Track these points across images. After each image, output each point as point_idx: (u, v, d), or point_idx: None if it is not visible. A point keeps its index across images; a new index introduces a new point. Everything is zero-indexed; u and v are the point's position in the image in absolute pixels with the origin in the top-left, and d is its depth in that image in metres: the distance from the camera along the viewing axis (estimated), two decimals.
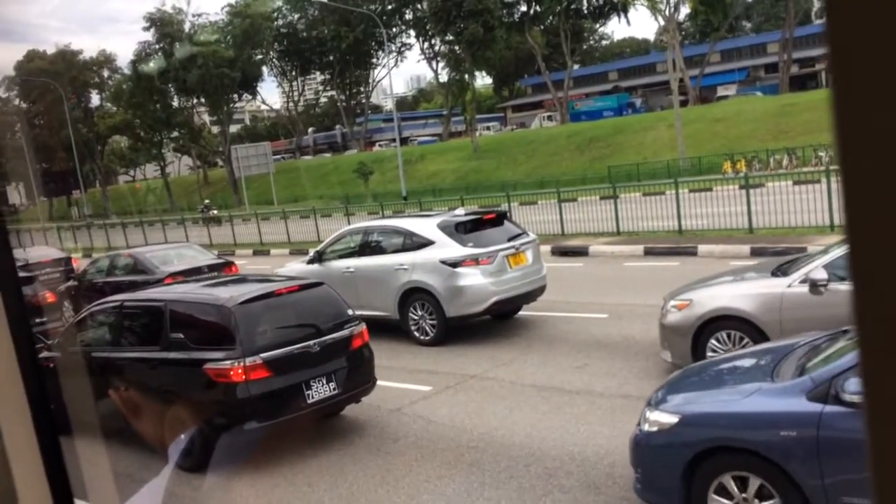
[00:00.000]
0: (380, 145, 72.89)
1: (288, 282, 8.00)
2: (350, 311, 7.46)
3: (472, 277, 9.78)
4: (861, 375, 0.55)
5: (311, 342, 6.76)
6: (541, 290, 10.70)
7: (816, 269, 6.37)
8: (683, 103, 46.03)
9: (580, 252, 16.60)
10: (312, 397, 6.60)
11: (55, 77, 58.22)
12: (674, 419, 4.52)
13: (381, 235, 11.11)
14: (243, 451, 6.51)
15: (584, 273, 14.61)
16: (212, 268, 13.81)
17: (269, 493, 6.01)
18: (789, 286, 6.60)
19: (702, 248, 14.65)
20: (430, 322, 10.05)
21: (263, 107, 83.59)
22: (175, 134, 64.87)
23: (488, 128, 75.08)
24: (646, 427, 4.68)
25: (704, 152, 34.92)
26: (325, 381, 6.70)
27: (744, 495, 4.25)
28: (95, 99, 70.55)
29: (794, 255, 8.85)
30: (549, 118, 67.99)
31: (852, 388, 3.83)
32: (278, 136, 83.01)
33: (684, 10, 52.25)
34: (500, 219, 10.89)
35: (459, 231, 10.19)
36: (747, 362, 5.20)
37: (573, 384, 7.65)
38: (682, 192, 17.30)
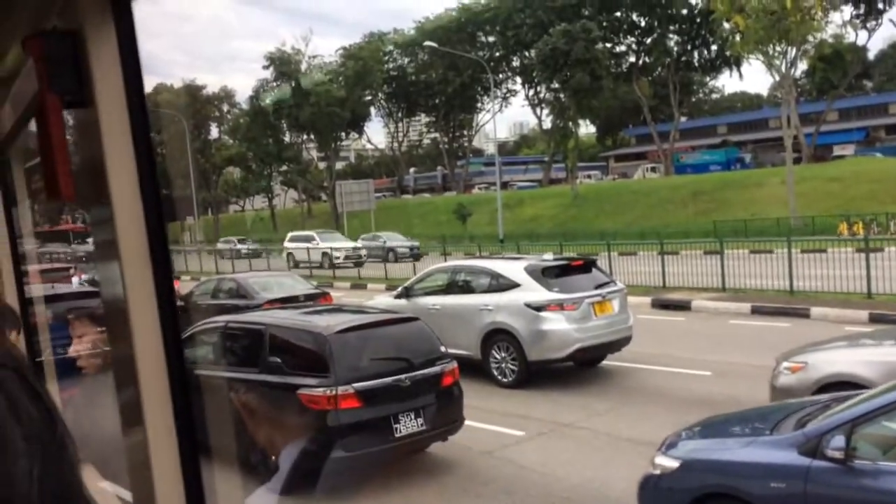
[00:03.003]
0: (479, 188, 73.44)
1: (383, 314, 8.06)
2: (443, 349, 7.42)
3: (555, 322, 9.73)
4: None
5: (403, 376, 6.74)
6: (626, 341, 10.47)
7: None
8: (796, 161, 44.22)
9: (682, 306, 16.03)
10: (400, 431, 6.54)
11: (180, 109, 61.93)
12: (676, 463, 4.68)
13: (469, 275, 11.24)
14: (330, 480, 6.50)
15: (685, 328, 14.10)
16: (308, 297, 14.14)
17: None
18: None
19: (815, 310, 13.86)
20: (512, 364, 9.98)
21: (368, 145, 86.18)
22: (284, 168, 67.47)
23: (589, 176, 74.34)
24: (652, 470, 4.83)
25: (817, 212, 33.40)
26: (413, 416, 6.64)
27: None
28: (214, 132, 74.58)
29: None
30: (653, 169, 66.77)
31: (836, 444, 3.92)
32: (381, 175, 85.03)
33: (801, 66, 50.60)
34: (587, 266, 10.90)
35: (546, 275, 10.20)
36: (763, 416, 5.20)
37: None
38: (794, 251, 16.51)
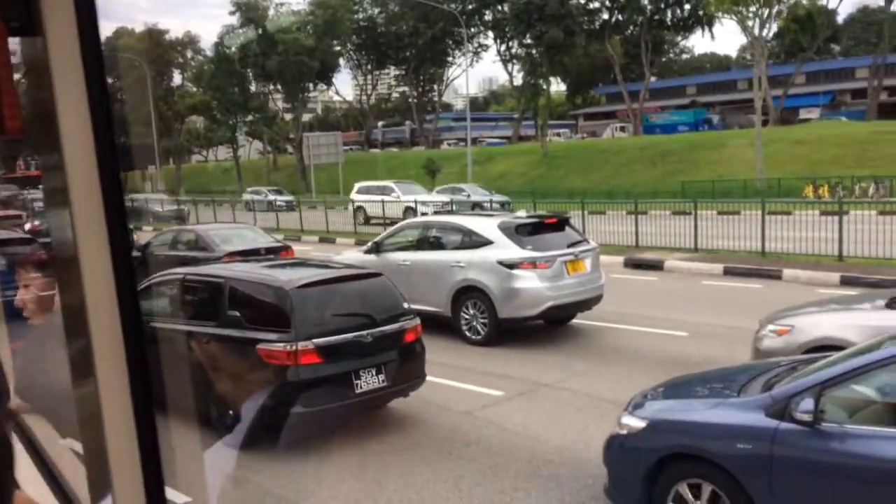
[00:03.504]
0: (448, 144, 72.72)
1: (346, 269, 7.85)
2: (406, 305, 7.27)
3: (528, 280, 9.62)
4: None
5: (365, 332, 6.60)
6: (597, 300, 10.42)
7: None
8: (764, 123, 44.27)
9: (655, 266, 15.97)
10: (361, 387, 6.42)
11: (140, 54, 59.79)
12: (642, 424, 4.67)
13: (441, 231, 11.02)
14: (290, 435, 6.24)
15: (659, 287, 14.06)
16: (269, 250, 13.80)
17: (336, 486, 5.81)
18: None
19: (787, 272, 13.89)
20: (482, 322, 9.85)
21: (336, 97, 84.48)
22: (250, 118, 65.88)
23: (559, 134, 74.02)
24: (618, 430, 4.83)
25: (783, 174, 33.57)
26: (374, 373, 6.53)
27: (698, 503, 4.40)
28: (177, 79, 72.41)
29: None
30: (622, 129, 66.68)
31: (805, 407, 3.93)
32: (348, 128, 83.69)
33: (773, 28, 50.39)
34: (561, 224, 10.73)
35: (519, 233, 10.06)
36: (726, 377, 5.20)
37: None
38: (760, 213, 16.44)
